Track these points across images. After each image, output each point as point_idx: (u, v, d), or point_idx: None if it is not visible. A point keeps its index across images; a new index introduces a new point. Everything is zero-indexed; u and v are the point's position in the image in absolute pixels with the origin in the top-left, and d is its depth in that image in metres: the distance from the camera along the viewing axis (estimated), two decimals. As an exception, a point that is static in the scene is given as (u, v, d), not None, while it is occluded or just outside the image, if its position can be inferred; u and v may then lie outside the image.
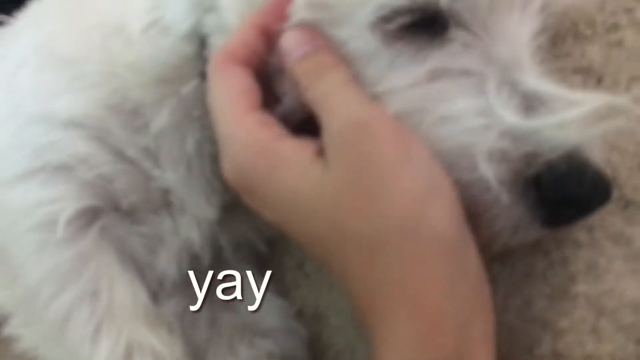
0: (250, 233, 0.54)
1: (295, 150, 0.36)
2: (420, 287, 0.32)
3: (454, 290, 0.33)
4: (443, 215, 0.33)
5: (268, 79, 0.40)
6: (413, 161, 0.34)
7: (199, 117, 0.46)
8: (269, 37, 0.39)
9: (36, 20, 0.53)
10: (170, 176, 0.48)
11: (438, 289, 0.32)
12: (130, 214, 0.48)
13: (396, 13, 0.36)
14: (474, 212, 0.35)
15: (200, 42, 0.44)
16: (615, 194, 0.39)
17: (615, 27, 0.43)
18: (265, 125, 0.37)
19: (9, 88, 0.49)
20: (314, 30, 0.38)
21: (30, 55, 0.49)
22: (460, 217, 0.34)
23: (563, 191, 0.34)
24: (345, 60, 0.38)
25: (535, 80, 0.36)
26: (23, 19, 0.55)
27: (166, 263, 0.50)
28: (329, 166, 0.34)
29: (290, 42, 0.38)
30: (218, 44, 0.42)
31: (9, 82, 0.49)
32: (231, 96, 0.38)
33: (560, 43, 0.45)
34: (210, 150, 0.48)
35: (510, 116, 0.35)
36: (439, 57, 0.37)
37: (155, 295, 0.50)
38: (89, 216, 0.46)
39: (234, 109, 0.37)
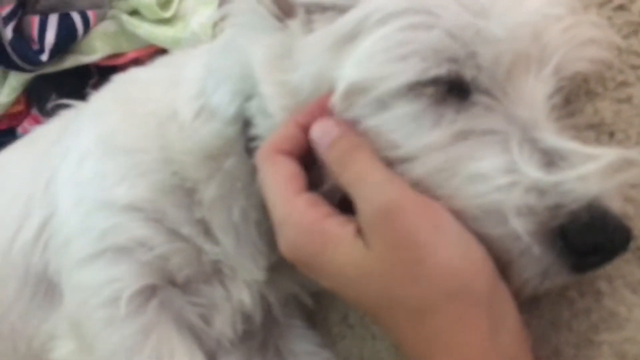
0: (296, 288, 0.58)
1: (342, 228, 0.39)
2: (465, 342, 0.36)
3: (497, 341, 0.36)
4: (478, 274, 0.37)
5: (311, 166, 0.43)
6: (444, 230, 0.37)
7: (243, 187, 0.51)
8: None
9: (96, 114, 0.58)
10: (221, 247, 0.52)
11: (482, 342, 0.36)
12: (185, 287, 0.53)
13: (432, 81, 0.40)
14: (505, 262, 0.38)
15: (243, 123, 0.49)
16: (631, 244, 0.41)
17: (624, 84, 0.45)
18: (313, 204, 0.40)
19: (75, 179, 0.55)
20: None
21: (92, 147, 0.55)
22: (493, 272, 0.37)
23: (587, 239, 0.37)
24: (370, 133, 0.41)
25: (553, 137, 0.39)
26: (85, 114, 0.60)
27: (221, 326, 0.54)
28: (369, 245, 0.38)
29: (318, 132, 0.42)
30: (262, 124, 0.47)
31: (75, 173, 0.55)
32: (280, 182, 0.41)
33: (573, 100, 0.47)
34: (255, 217, 0.52)
35: (533, 172, 0.37)
36: (464, 120, 0.40)
37: (215, 354, 0.54)
38: (148, 293, 0.51)
39: (284, 193, 0.41)
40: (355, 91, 0.41)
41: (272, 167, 0.42)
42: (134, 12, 0.96)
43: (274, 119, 0.45)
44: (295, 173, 0.42)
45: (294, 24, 0.44)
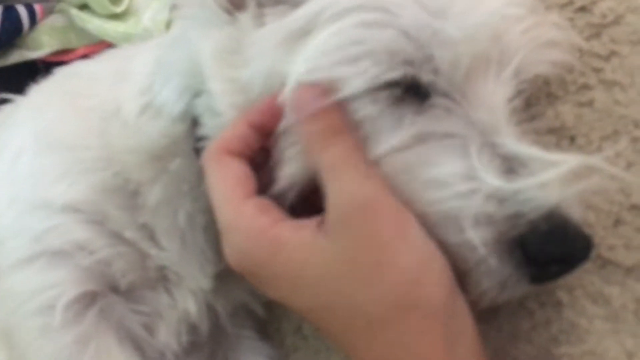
0: (246, 297, 0.55)
1: (295, 232, 0.37)
2: (420, 355, 0.35)
3: (453, 354, 0.35)
4: (437, 285, 0.35)
5: (260, 167, 0.41)
6: (407, 237, 0.36)
7: (189, 190, 0.48)
8: (262, 134, 0.40)
9: (36, 108, 0.55)
10: (166, 252, 0.49)
11: (438, 355, 0.35)
12: (128, 293, 0.49)
13: (387, 84, 0.38)
14: (462, 271, 0.37)
15: (192, 121, 0.46)
16: (592, 253, 0.40)
17: (585, 87, 0.45)
18: (263, 210, 0.38)
19: (10, 175, 0.51)
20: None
21: (30, 142, 0.51)
22: (452, 283, 0.36)
23: (547, 249, 0.35)
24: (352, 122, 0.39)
25: (513, 142, 0.38)
26: (23, 107, 0.57)
27: (166, 337, 0.51)
28: (334, 237, 0.36)
29: (304, 96, 0.38)
30: (210, 123, 0.44)
31: (10, 169, 0.51)
32: (228, 185, 0.39)
33: (534, 104, 0.46)
34: (201, 222, 0.49)
35: (493, 179, 0.36)
36: (423, 122, 0.39)
37: (157, 367, 0.51)
38: (87, 300, 0.47)
39: (232, 198, 0.39)
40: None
41: (219, 169, 0.40)
42: (84, 6, 0.91)
43: (222, 117, 0.42)
44: (245, 175, 0.40)
45: (245, 17, 0.42)
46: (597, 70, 0.44)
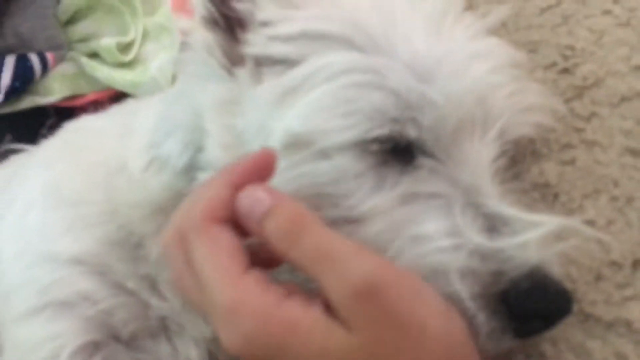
0: None
1: (305, 312, 0.34)
2: None
3: None
4: (461, 336, 0.36)
5: None
6: (424, 297, 0.35)
7: None
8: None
9: (44, 162, 0.58)
10: (167, 302, 0.51)
11: None
12: (130, 342, 0.51)
13: (375, 140, 0.40)
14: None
15: (195, 176, 0.48)
16: (575, 307, 0.41)
17: (568, 146, 0.46)
18: (265, 287, 0.35)
19: (19, 229, 0.53)
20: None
21: (38, 197, 0.54)
22: (467, 332, 0.37)
23: (528, 306, 0.37)
24: (306, 182, 0.40)
25: (496, 202, 0.40)
26: (33, 161, 0.60)
27: None
28: (351, 327, 0.33)
29: (247, 202, 0.36)
30: (204, 178, 0.46)
31: (19, 223, 0.54)
32: (223, 261, 0.35)
33: (520, 160, 0.48)
34: None
35: (476, 236, 0.38)
36: (408, 183, 0.40)
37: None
38: (90, 350, 0.49)
39: (229, 275, 0.35)
40: (296, 143, 0.41)
41: (209, 242, 0.36)
42: (94, 55, 0.95)
43: (215, 163, 0.44)
44: (237, 247, 0.36)
45: (243, 73, 0.45)
46: (578, 130, 0.46)
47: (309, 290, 0.36)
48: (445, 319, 0.35)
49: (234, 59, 0.46)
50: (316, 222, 0.36)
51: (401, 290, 0.34)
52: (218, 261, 0.35)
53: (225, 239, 0.36)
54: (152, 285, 0.52)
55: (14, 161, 0.65)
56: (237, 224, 0.37)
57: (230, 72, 0.45)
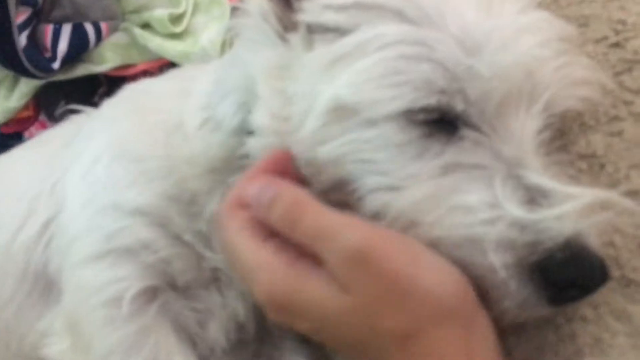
0: None
1: (313, 271, 0.39)
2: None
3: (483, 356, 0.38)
4: (458, 297, 0.38)
5: None
6: (421, 261, 0.39)
7: None
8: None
9: (110, 120, 0.60)
10: (220, 256, 0.53)
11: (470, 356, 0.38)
12: (184, 291, 0.54)
13: (422, 110, 0.41)
14: (484, 291, 0.39)
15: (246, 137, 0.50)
16: (617, 273, 0.42)
17: (616, 118, 0.47)
18: (283, 248, 0.40)
19: (86, 180, 0.56)
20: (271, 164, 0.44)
21: (104, 151, 0.56)
22: (472, 296, 0.39)
23: (563, 275, 0.38)
24: (348, 148, 0.42)
25: (536, 175, 0.40)
26: (98, 119, 0.63)
27: (215, 333, 0.55)
28: (349, 291, 0.38)
29: (254, 194, 0.42)
30: (253, 143, 0.48)
31: (86, 174, 0.56)
32: (246, 234, 0.42)
33: (567, 132, 0.49)
34: None
35: (515, 209, 0.39)
36: (452, 153, 0.41)
37: (207, 360, 0.55)
38: (149, 294, 0.52)
39: (251, 243, 0.41)
40: (342, 109, 0.42)
41: (235, 224, 0.43)
42: (146, 26, 0.98)
43: (263, 130, 0.46)
44: (257, 223, 0.42)
45: (296, 39, 0.46)
46: (627, 103, 0.46)
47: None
48: (443, 281, 0.38)
49: (287, 26, 0.47)
50: (314, 204, 0.40)
51: (394, 253, 0.38)
52: (242, 236, 0.42)
53: (245, 217, 0.42)
54: (206, 240, 0.54)
55: (75, 120, 0.68)
56: None
57: (283, 38, 0.47)
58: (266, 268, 0.40)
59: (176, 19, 0.96)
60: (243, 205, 0.43)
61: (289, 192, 0.41)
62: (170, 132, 0.55)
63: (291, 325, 0.41)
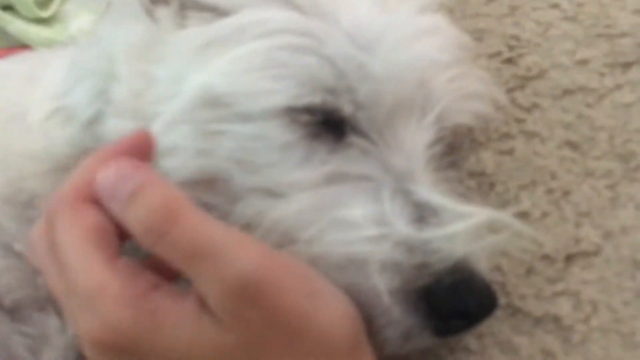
0: None
1: (176, 303, 0.31)
2: None
3: None
4: (353, 335, 0.33)
5: None
6: (319, 296, 0.32)
7: None
8: None
9: None
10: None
11: None
12: (13, 312, 0.45)
13: (306, 109, 0.37)
14: (366, 316, 0.35)
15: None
16: (503, 301, 0.40)
17: (506, 136, 0.45)
18: (135, 273, 0.31)
19: None
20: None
21: None
22: (362, 328, 0.34)
23: (450, 303, 0.34)
24: (223, 143, 0.37)
25: (427, 191, 0.37)
26: None
27: None
28: (231, 328, 0.31)
29: (110, 178, 0.32)
30: (108, 125, 0.42)
31: None
32: (89, 244, 0.31)
33: (458, 147, 0.46)
34: None
35: (403, 226, 0.35)
36: (337, 161, 0.38)
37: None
38: None
39: (95, 258, 0.31)
40: (212, 100, 0.38)
41: (73, 224, 0.32)
42: (7, 7, 0.88)
43: (119, 108, 0.40)
44: (107, 229, 0.32)
45: (165, 14, 0.41)
46: (519, 121, 0.46)
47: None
48: (341, 317, 0.32)
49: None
50: (191, 210, 0.31)
51: (283, 284, 0.31)
52: (83, 244, 0.31)
53: (93, 220, 0.32)
54: None
55: None
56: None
57: (150, 12, 0.42)
58: (110, 296, 0.30)
59: (44, 2, 0.87)
60: (88, 199, 0.33)
61: (159, 189, 0.31)
62: (9, 120, 0.47)
63: None
